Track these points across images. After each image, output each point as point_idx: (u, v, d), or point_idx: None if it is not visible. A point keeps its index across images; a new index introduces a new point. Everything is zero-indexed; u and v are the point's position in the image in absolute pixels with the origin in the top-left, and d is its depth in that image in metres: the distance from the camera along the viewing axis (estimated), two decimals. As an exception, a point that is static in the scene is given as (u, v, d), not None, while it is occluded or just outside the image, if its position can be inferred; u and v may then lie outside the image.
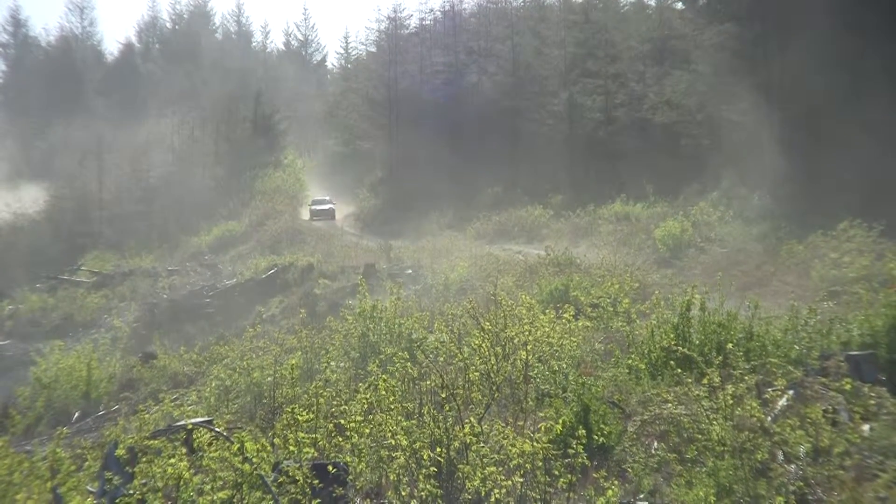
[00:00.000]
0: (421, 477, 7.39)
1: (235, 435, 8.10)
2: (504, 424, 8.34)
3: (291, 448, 7.98)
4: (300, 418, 8.56)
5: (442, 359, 11.70)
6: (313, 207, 57.01)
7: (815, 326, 11.25)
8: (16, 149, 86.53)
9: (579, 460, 7.39)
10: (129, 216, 60.30)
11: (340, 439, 8.59)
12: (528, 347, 10.61)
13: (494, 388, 9.74)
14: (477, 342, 10.76)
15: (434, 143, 54.60)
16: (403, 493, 7.54)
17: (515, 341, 10.84)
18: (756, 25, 33.51)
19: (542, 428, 7.91)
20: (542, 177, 48.38)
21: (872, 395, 8.56)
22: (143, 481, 7.44)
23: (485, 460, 7.57)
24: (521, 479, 7.42)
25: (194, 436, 8.72)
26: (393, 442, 7.88)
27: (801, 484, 7.03)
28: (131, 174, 65.56)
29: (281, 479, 7.27)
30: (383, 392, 8.97)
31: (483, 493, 7.30)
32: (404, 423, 8.20)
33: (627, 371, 10.69)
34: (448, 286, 24.41)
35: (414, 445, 7.84)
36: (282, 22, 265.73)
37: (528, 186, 47.91)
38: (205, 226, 54.94)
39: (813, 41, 27.76)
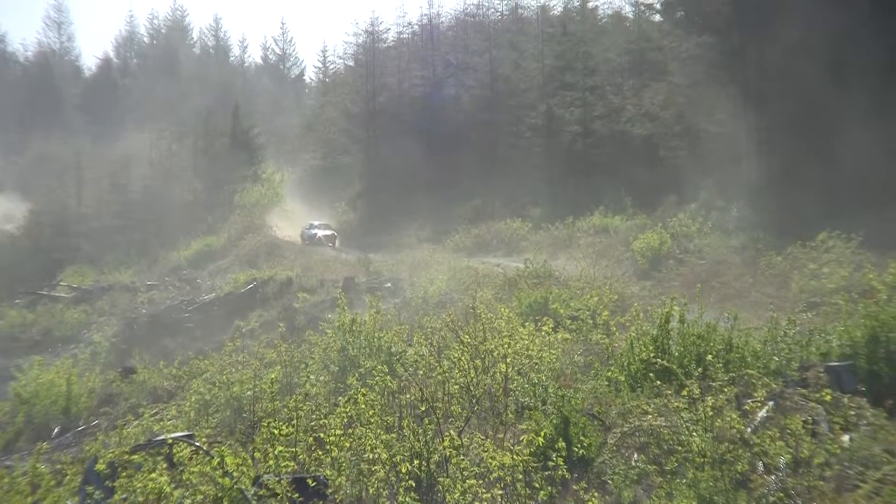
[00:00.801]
0: (401, 490, 7.39)
1: (216, 449, 8.06)
2: (484, 437, 8.34)
3: (271, 462, 7.97)
4: (279, 432, 8.53)
5: (421, 372, 11.66)
6: (312, 232, 52.95)
7: (794, 337, 11.25)
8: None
9: (559, 473, 7.42)
10: (108, 231, 60.21)
11: (320, 453, 8.54)
12: (508, 360, 10.58)
13: (474, 400, 9.72)
14: (456, 355, 10.75)
15: (412, 156, 54.67)
16: (384, 507, 7.51)
17: (495, 354, 10.85)
18: (734, 37, 33.63)
19: (523, 440, 7.92)
20: (520, 189, 48.48)
21: (852, 405, 8.57)
22: (124, 496, 7.47)
23: (465, 473, 7.55)
24: (502, 492, 7.40)
25: (174, 450, 8.72)
26: (373, 455, 7.86)
27: (782, 495, 7.02)
28: (110, 189, 65.52)
29: (261, 493, 7.28)
30: (363, 406, 8.95)
31: (463, 506, 7.28)
32: (384, 437, 8.19)
33: (607, 383, 10.65)
34: (427, 299, 24.32)
35: (394, 459, 7.84)
36: (260, 36, 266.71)
37: (506, 199, 47.97)
38: (184, 240, 54.86)
39: (790, 53, 27.97)
